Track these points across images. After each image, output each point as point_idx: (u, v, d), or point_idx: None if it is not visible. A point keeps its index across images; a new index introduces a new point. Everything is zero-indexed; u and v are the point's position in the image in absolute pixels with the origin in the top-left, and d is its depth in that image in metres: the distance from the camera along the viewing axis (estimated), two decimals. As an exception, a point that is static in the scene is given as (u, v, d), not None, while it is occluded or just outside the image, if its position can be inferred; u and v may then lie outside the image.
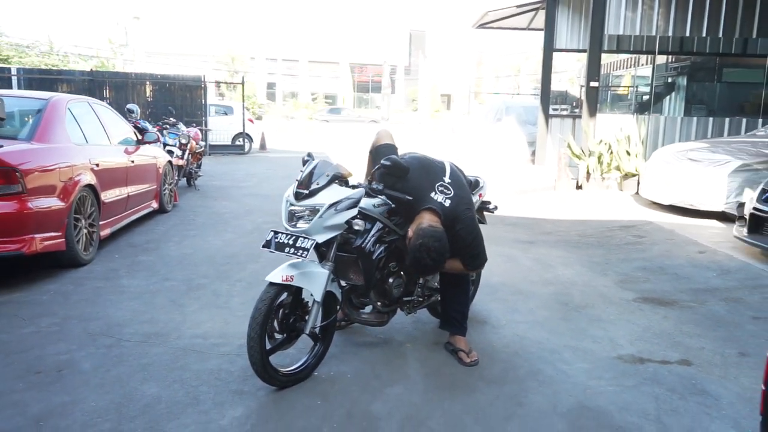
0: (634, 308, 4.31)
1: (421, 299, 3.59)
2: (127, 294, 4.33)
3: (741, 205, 5.88)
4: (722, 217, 7.38)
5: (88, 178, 5.09)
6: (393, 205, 3.20)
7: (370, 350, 3.44)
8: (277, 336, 2.90)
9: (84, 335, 3.53)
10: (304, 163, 3.08)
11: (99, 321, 3.76)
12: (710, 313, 4.20)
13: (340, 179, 2.99)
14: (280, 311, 2.88)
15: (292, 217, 2.89)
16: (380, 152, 3.44)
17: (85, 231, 5.05)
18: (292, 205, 2.89)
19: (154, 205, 7.21)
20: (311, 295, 2.90)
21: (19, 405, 2.70)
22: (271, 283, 2.79)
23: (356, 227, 3.02)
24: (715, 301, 4.47)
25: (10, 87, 14.95)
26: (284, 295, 2.87)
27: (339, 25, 50.63)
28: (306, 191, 2.86)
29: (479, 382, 3.05)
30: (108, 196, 5.56)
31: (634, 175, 9.64)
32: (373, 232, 3.12)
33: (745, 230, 5.62)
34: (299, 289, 2.91)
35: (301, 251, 2.77)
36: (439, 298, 3.61)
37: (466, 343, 3.35)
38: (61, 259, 4.80)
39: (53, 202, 4.56)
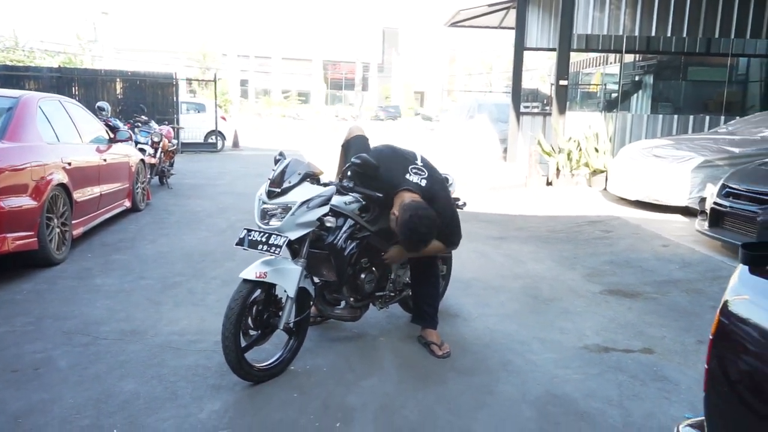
0: (601, 300, 4.46)
1: (392, 294, 3.68)
2: (102, 293, 4.34)
3: (703, 200, 6.10)
4: (686, 211, 7.62)
5: (61, 177, 5.07)
6: (364, 203, 3.29)
7: (345, 344, 3.52)
8: (252, 332, 2.96)
9: (60, 334, 3.54)
10: (276, 162, 3.15)
11: (74, 320, 3.77)
12: (672, 304, 4.38)
13: (312, 177, 3.06)
14: (254, 308, 2.94)
15: (265, 215, 2.96)
16: (352, 145, 3.53)
17: (57, 230, 5.03)
18: (264, 203, 2.96)
19: (127, 203, 7.17)
20: (285, 291, 2.96)
21: (-4, 403, 2.72)
22: (245, 280, 2.85)
23: (328, 224, 3.09)
24: (677, 292, 4.65)
25: (-25, 84, 14.67)
26: (257, 292, 2.92)
27: (312, 22, 50.45)
28: (278, 189, 2.93)
29: (451, 373, 3.15)
30: (80, 195, 5.53)
31: (602, 172, 9.86)
32: (344, 228, 3.20)
33: (706, 224, 5.83)
34: (272, 286, 2.98)
35: (274, 248, 2.84)
36: (411, 293, 3.71)
37: (437, 336, 3.45)
38: (33, 259, 4.78)
39: (25, 202, 4.53)
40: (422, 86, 52.59)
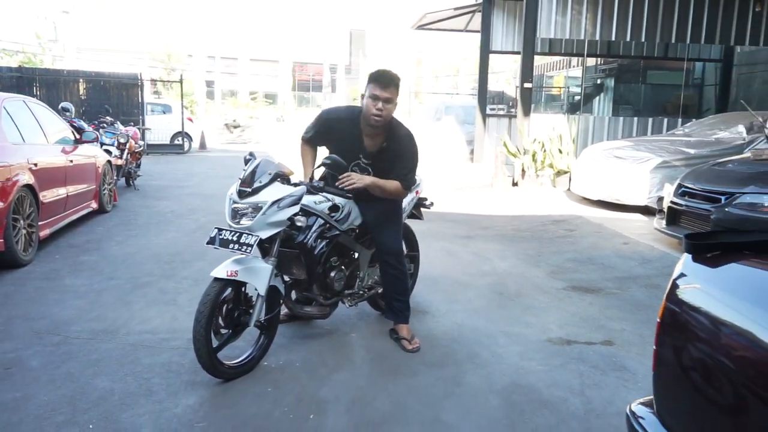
0: (564, 296, 4.63)
1: (361, 292, 3.77)
2: (72, 293, 4.33)
3: (661, 200, 6.34)
4: (645, 210, 7.89)
5: (27, 178, 5.03)
6: (334, 202, 3.37)
7: (318, 340, 3.60)
8: (223, 331, 3.00)
9: (30, 334, 3.54)
10: (246, 162, 3.20)
11: (44, 320, 3.77)
12: (632, 299, 4.56)
13: (282, 177, 3.12)
14: (224, 306, 2.98)
15: (236, 214, 3.01)
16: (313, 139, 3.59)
17: (24, 231, 4.99)
18: (235, 202, 3.01)
19: (94, 205, 7.11)
20: (255, 289, 3.01)
21: (-32, 402, 2.72)
22: (216, 279, 2.90)
23: (298, 223, 3.16)
24: (637, 287, 4.85)
25: (-70, 84, 14.27)
26: (228, 291, 2.97)
27: (279, 24, 50.17)
28: (249, 189, 2.98)
29: (421, 366, 3.26)
30: (47, 196, 5.48)
31: (566, 172, 10.12)
32: (314, 228, 3.28)
33: (663, 222, 6.07)
34: (242, 284, 3.02)
35: (245, 247, 2.90)
36: (380, 291, 3.81)
37: (408, 330, 3.56)
38: (0, 260, 4.73)
39: (-9, 203, 4.49)
40: (390, 88, 52.76)
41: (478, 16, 13.95)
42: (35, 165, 5.23)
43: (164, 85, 34.87)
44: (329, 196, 3.35)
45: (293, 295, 3.51)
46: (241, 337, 3.12)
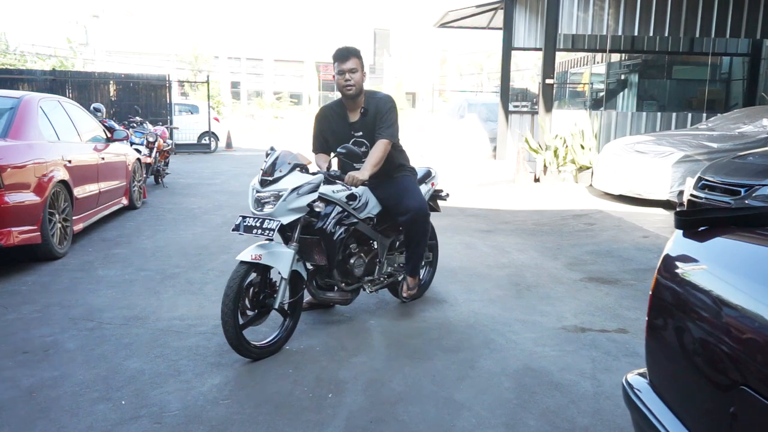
0: (581, 287, 4.69)
1: (382, 279, 3.91)
2: (104, 283, 4.53)
3: (681, 193, 6.34)
4: (667, 205, 7.87)
5: (62, 174, 5.26)
6: (351, 191, 3.55)
7: (337, 326, 3.73)
8: (249, 312, 3.18)
9: (66, 320, 3.74)
10: (268, 155, 3.39)
11: (79, 307, 3.97)
12: (648, 290, 4.58)
13: (301, 167, 3.31)
14: (251, 290, 3.16)
15: (258, 202, 3.22)
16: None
17: (59, 225, 5.22)
18: (258, 191, 3.21)
19: (125, 201, 7.36)
20: (279, 273, 3.19)
21: (10, 380, 2.91)
22: (242, 262, 3.08)
23: (317, 209, 3.34)
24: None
25: (-32, 87, 14.78)
26: (253, 275, 3.15)
27: (303, 24, 50.60)
28: (270, 179, 3.19)
29: (437, 351, 3.37)
30: (80, 191, 5.72)
31: (588, 168, 10.11)
32: (333, 215, 3.45)
33: (684, 215, 6.06)
34: (267, 269, 3.20)
35: (267, 231, 3.09)
36: (400, 278, 3.97)
37: (413, 283, 3.93)
38: (36, 252, 4.97)
39: (29, 197, 4.72)
40: (414, 87, 52.83)
41: (500, 13, 13.99)
42: (69, 162, 5.47)
43: (191, 86, 35.52)
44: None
45: (315, 282, 3.66)
46: (266, 323, 3.28)
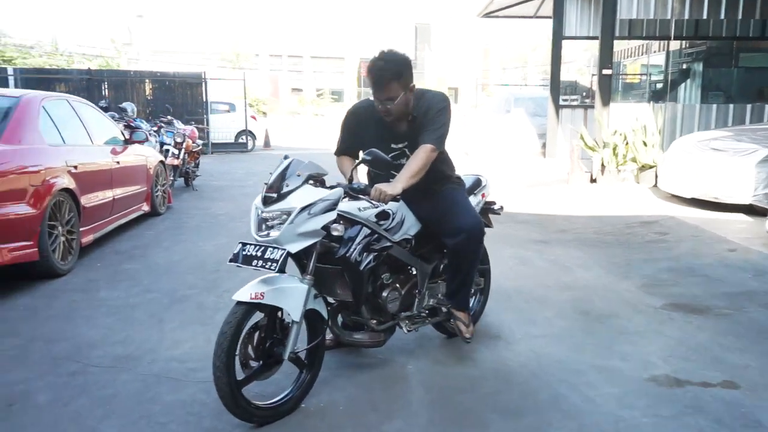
0: (664, 317, 3.87)
1: (422, 315, 3.18)
2: (104, 308, 3.95)
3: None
4: (750, 210, 6.90)
5: (65, 182, 4.71)
6: (382, 207, 2.80)
7: (367, 373, 3.03)
8: (252, 363, 2.50)
9: (47, 360, 3.15)
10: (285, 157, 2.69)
11: (67, 342, 3.38)
12: (750, 322, 3.76)
13: (316, 179, 2.58)
14: (255, 334, 2.49)
15: (262, 225, 2.51)
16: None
17: (62, 239, 4.67)
18: (261, 211, 2.50)
19: (145, 207, 6.83)
20: (288, 314, 2.50)
21: (-45, 451, 2.32)
22: (239, 303, 2.40)
23: (335, 233, 2.58)
24: (755, 307, 4.02)
25: (7, 87, 14.66)
26: (259, 316, 2.49)
27: (343, 20, 50.20)
28: (275, 195, 2.47)
29: (493, 414, 2.63)
30: (89, 200, 5.17)
31: (651, 167, 9.15)
32: (359, 239, 2.71)
33: (779, 225, 5.16)
34: (276, 309, 2.51)
35: (270, 263, 2.39)
36: (444, 311, 3.24)
37: (466, 317, 3.16)
38: (35, 270, 4.43)
39: (22, 209, 4.17)
40: (456, 81, 51.78)
41: (549, 1, 13.03)
42: (75, 167, 4.92)
43: (233, 84, 35.48)
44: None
45: (340, 319, 2.98)
46: (276, 373, 2.60)
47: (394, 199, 2.72)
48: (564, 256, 5.41)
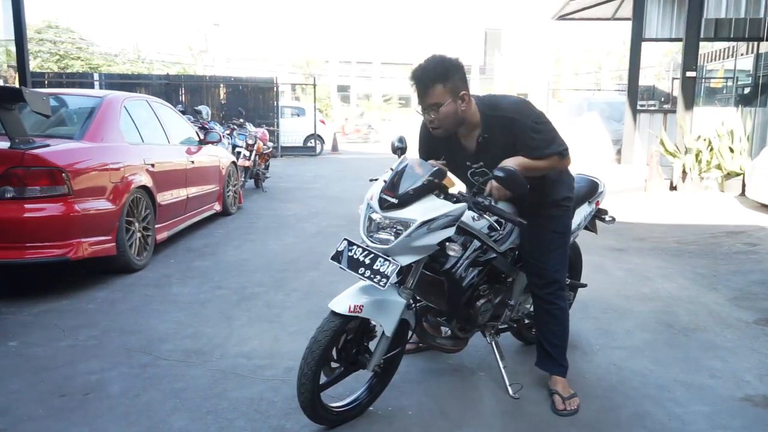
0: (758, 333, 3.58)
1: (506, 325, 3.01)
2: (176, 304, 4.01)
3: None
4: None
5: (143, 179, 4.84)
6: (490, 218, 2.45)
7: (438, 379, 2.92)
8: (334, 365, 2.43)
9: (121, 351, 3.21)
10: (395, 150, 2.57)
11: (140, 335, 3.44)
12: None
13: (439, 189, 2.37)
14: (342, 338, 2.39)
15: (372, 225, 2.33)
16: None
17: (138, 235, 4.80)
18: (375, 212, 2.32)
19: (217, 207, 6.96)
20: (380, 326, 2.38)
21: (32, 436, 2.37)
22: (335, 314, 2.28)
23: (451, 253, 2.36)
24: None
25: (92, 92, 15.46)
26: (351, 323, 2.37)
27: (413, 27, 50.28)
28: (395, 200, 2.26)
29: (571, 428, 2.47)
30: (165, 197, 5.30)
31: (738, 175, 8.62)
32: (468, 253, 2.54)
33: None
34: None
35: (379, 278, 2.21)
36: (528, 325, 3.07)
37: (565, 385, 2.72)
38: (113, 264, 4.56)
39: (102, 205, 4.31)
40: (526, 87, 50.88)
41: (628, 1, 12.56)
42: (152, 166, 5.05)
43: (302, 89, 36.13)
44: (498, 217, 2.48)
45: (424, 319, 2.83)
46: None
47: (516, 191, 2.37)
48: (643, 265, 5.13)
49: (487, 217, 2.40)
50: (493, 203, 2.39)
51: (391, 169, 2.39)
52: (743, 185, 8.28)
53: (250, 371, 2.97)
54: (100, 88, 15.58)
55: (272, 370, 2.98)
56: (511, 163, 2.37)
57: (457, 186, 2.56)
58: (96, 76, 16.46)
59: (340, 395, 2.56)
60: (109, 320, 3.68)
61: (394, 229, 2.27)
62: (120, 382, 2.83)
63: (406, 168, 2.35)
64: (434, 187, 2.33)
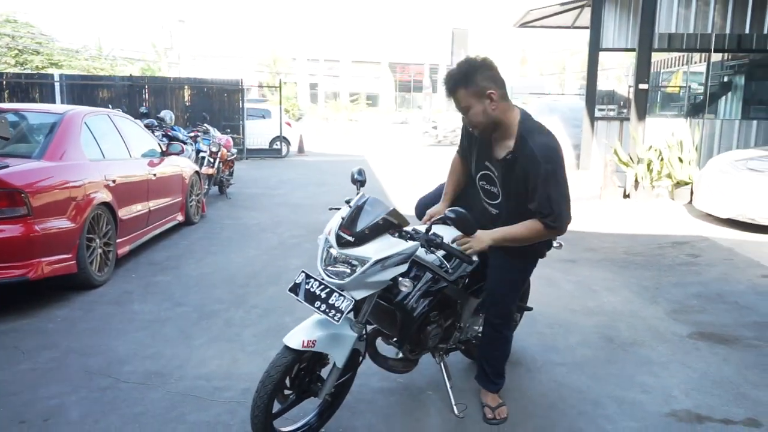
0: (690, 347, 3.83)
1: (455, 347, 3.18)
2: (136, 322, 4.09)
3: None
4: (787, 232, 6.75)
5: (103, 196, 4.89)
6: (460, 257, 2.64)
7: (387, 399, 3.08)
8: (287, 392, 2.54)
9: (81, 374, 3.28)
10: (354, 182, 2.70)
11: (100, 356, 3.52)
12: (779, 356, 3.69)
13: (394, 227, 2.48)
14: (296, 367, 2.49)
15: (329, 258, 2.46)
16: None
17: (99, 251, 4.85)
18: (332, 247, 2.44)
19: (180, 217, 7.01)
20: (332, 356, 2.51)
21: (-8, 465, 2.45)
22: (289, 348, 2.38)
23: (403, 288, 2.49)
24: (784, 339, 3.95)
25: (53, 93, 15.18)
26: (305, 355, 2.47)
27: (381, 25, 50.42)
28: (351, 238, 2.39)
29: (508, 447, 2.66)
30: (126, 212, 5.35)
31: (686, 184, 8.99)
32: (420, 285, 2.67)
33: (816, 253, 5.03)
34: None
35: (333, 312, 2.34)
36: (477, 344, 3.24)
37: (495, 398, 2.94)
38: (73, 282, 4.60)
39: (63, 224, 4.35)
40: (492, 88, 51.46)
41: (587, 11, 12.90)
42: (113, 181, 5.09)
43: (269, 89, 35.93)
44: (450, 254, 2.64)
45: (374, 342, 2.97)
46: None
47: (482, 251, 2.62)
48: (591, 277, 5.38)
49: (438, 255, 2.57)
50: (443, 241, 2.53)
51: (349, 206, 2.52)
52: (691, 194, 8.65)
53: (209, 393, 3.08)
54: (61, 89, 15.31)
55: (230, 392, 3.09)
56: (488, 237, 2.57)
57: (412, 224, 2.69)
58: (56, 77, 16.13)
59: (293, 417, 2.69)
60: (69, 341, 3.74)
61: (350, 265, 2.41)
62: (80, 407, 2.92)
63: (363, 205, 2.48)
64: (389, 225, 2.46)
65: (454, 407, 2.88)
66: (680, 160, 9.12)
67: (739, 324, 4.23)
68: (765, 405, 3.07)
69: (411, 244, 2.50)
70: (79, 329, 3.94)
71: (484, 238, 2.60)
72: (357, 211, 2.46)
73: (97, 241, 4.82)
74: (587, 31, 12.76)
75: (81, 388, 3.11)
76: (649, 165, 9.26)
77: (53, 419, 2.81)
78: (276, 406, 2.48)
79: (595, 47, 12.32)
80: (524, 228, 2.57)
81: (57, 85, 15.38)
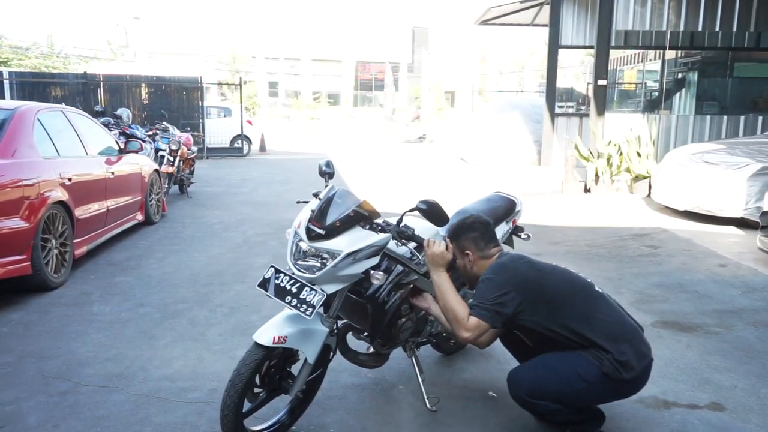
0: (654, 335, 3.89)
1: (425, 340, 3.16)
2: (96, 324, 3.95)
3: (765, 214, 5.45)
4: (741, 223, 6.95)
5: (59, 195, 4.71)
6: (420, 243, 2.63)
7: (359, 394, 3.04)
8: (257, 390, 2.48)
9: (38, 378, 3.15)
10: (322, 175, 2.64)
11: (58, 359, 3.38)
12: (739, 341, 3.79)
13: (365, 220, 2.46)
14: (266, 364, 2.44)
15: (299, 253, 2.42)
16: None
17: (55, 251, 4.67)
18: (302, 240, 2.40)
19: (140, 217, 6.82)
20: (303, 353, 2.47)
21: (-56, 475, 2.32)
22: (259, 345, 2.33)
23: (375, 281, 2.49)
24: (743, 325, 4.05)
25: (2, 91, 14.63)
26: (275, 351, 2.42)
27: (341, 23, 50.18)
28: (321, 231, 2.36)
29: (481, 437, 2.65)
30: (83, 211, 5.17)
31: (645, 177, 9.20)
32: (391, 278, 2.65)
33: (769, 241, 5.20)
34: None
35: (305, 307, 2.30)
36: (447, 337, 3.25)
37: None
38: (28, 284, 4.42)
39: (16, 223, 4.17)
40: (453, 86, 51.84)
41: (546, 9, 13.11)
42: (69, 180, 4.92)
43: (229, 88, 35.40)
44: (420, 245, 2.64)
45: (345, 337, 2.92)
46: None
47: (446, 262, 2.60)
48: (556, 270, 5.43)
49: (409, 246, 2.56)
50: (415, 233, 2.52)
51: (319, 198, 2.47)
52: (650, 187, 8.85)
53: (174, 394, 2.99)
54: (11, 87, 14.76)
55: (196, 393, 3.01)
56: (441, 266, 2.56)
57: (383, 215, 2.66)
58: (5, 74, 15.54)
59: (264, 416, 2.63)
60: (24, 344, 3.59)
61: (321, 259, 2.36)
62: (37, 413, 2.80)
63: (333, 197, 2.44)
64: (360, 217, 2.43)
65: (426, 401, 2.86)
66: (638, 154, 9.33)
67: (699, 312, 4.33)
68: (727, 389, 3.14)
69: (382, 236, 2.48)
70: (35, 332, 3.79)
71: (445, 254, 2.56)
72: (327, 204, 2.42)
73: (53, 241, 4.65)
74: (546, 29, 12.97)
75: (38, 393, 2.99)
76: (608, 160, 9.45)
77: (9, 426, 2.68)
78: (246, 405, 2.43)
79: (554, 45, 12.52)
80: (456, 302, 2.48)
81: (6, 83, 14.82)
